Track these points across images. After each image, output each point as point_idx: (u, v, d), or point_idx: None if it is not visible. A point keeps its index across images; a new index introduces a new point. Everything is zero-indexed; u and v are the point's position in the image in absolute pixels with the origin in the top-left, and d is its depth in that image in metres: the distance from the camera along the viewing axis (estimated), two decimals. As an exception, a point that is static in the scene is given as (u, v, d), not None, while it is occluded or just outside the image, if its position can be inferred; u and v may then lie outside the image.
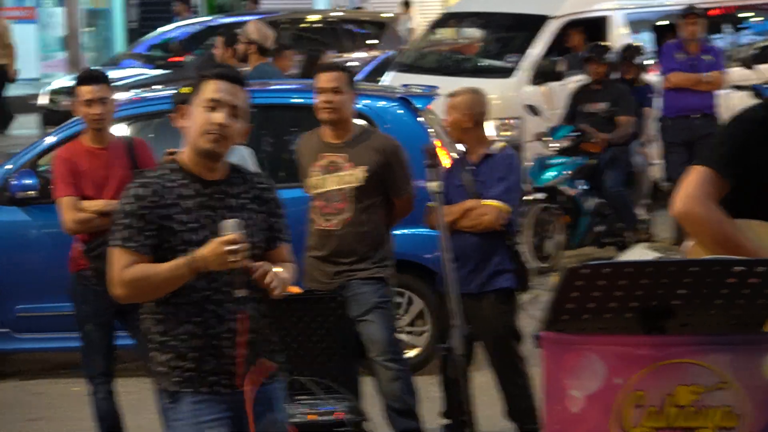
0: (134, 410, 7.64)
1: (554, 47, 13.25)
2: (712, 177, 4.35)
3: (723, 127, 4.50)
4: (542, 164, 11.49)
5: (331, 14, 20.16)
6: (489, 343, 6.85)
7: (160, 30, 19.57)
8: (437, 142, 8.25)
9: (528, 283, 6.95)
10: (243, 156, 7.04)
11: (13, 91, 19.66)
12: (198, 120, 4.42)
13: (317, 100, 6.73)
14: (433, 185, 4.24)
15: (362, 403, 6.65)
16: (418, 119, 8.60)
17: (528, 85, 12.88)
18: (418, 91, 9.54)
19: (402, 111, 8.67)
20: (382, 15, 20.50)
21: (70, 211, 6.63)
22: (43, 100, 17.39)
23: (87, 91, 6.70)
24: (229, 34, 11.84)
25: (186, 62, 17.12)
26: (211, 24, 18.81)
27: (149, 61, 18.10)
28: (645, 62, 12.23)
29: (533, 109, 12.10)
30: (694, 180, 4.37)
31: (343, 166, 6.74)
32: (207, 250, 4.33)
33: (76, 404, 7.90)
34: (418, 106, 8.72)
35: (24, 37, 22.98)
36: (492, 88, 10.19)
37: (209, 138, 4.40)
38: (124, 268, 4.41)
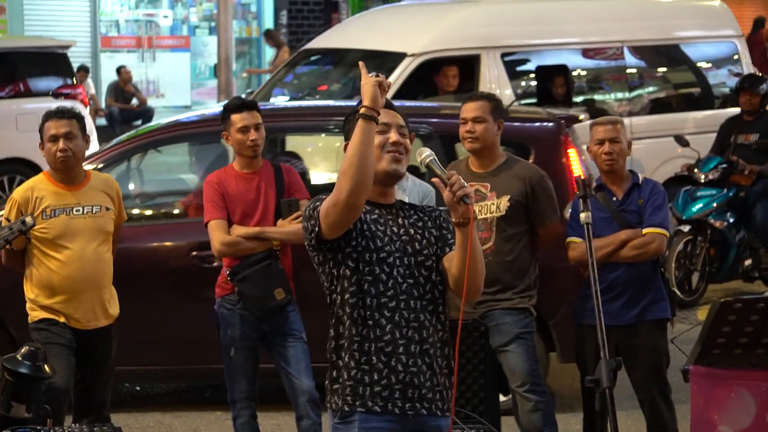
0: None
1: (422, 87, 12.26)
2: None
3: None
4: (689, 196, 11.29)
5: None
6: (643, 373, 6.72)
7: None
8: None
9: (675, 312, 6.85)
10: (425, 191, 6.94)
11: (162, 117, 20.06)
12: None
13: (461, 129, 6.77)
14: (584, 216, 4.14)
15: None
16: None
17: None
18: None
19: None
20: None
21: (218, 233, 6.67)
22: None
23: (241, 119, 6.75)
24: None
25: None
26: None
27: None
28: None
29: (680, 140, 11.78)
30: None
31: (486, 195, 6.73)
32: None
33: (218, 428, 7.97)
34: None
35: (177, 65, 23.41)
36: None
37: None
38: None
